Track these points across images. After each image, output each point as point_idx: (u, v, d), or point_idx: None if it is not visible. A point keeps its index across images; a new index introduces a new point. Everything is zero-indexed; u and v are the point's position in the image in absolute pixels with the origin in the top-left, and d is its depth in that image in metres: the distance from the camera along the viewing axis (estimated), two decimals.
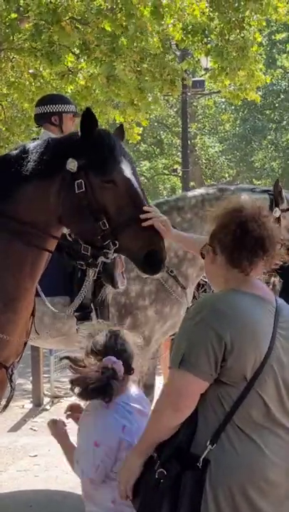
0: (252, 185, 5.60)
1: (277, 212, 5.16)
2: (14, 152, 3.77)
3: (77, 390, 2.96)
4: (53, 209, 3.61)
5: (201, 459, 2.59)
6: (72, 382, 2.99)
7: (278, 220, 5.17)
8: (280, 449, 2.65)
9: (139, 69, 11.74)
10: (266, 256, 2.77)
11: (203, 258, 2.93)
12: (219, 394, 2.63)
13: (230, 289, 2.76)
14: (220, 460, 2.59)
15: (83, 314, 4.92)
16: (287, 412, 2.70)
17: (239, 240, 2.73)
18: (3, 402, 4.01)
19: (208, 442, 2.60)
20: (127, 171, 3.61)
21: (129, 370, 3.08)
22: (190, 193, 5.52)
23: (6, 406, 4.03)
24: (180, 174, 28.48)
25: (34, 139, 5.92)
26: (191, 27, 12.18)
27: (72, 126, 5.91)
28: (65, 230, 3.94)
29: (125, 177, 3.59)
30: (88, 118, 3.58)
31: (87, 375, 2.96)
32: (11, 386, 3.88)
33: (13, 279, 3.65)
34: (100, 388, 2.93)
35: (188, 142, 25.59)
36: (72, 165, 3.52)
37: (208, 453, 2.60)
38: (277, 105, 32.85)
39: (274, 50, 31.18)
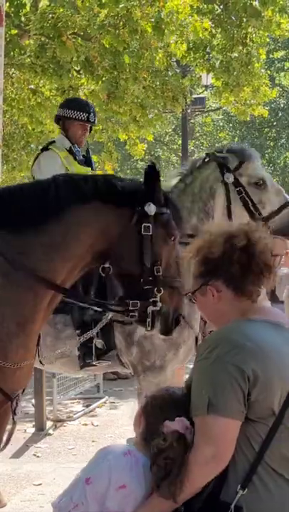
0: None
1: (229, 178, 4.80)
2: None
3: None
4: (107, 241, 3.57)
5: (232, 507, 2.36)
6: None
7: (236, 182, 4.81)
8: None
9: (143, 85, 11.63)
10: (270, 274, 2.60)
11: (193, 302, 2.74)
12: (247, 433, 2.40)
13: (240, 318, 2.56)
14: (254, 506, 2.37)
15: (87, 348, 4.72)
16: None
17: (247, 266, 2.55)
18: (5, 436, 3.73)
19: (239, 487, 2.37)
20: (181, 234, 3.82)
21: None
22: None
23: (7, 441, 3.75)
24: None
25: (45, 148, 5.80)
26: (192, 43, 12.12)
27: (82, 134, 5.78)
28: None
29: (179, 238, 3.75)
30: (153, 171, 3.65)
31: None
32: (13, 419, 3.60)
33: (33, 297, 3.41)
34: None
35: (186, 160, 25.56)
36: (152, 208, 3.55)
37: (240, 499, 2.37)
38: (275, 123, 32.91)
39: (272, 68, 31.25)
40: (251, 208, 4.79)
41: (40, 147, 6.32)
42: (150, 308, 3.61)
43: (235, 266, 2.55)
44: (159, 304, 3.62)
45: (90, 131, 5.99)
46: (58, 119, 5.93)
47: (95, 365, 4.86)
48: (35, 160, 5.80)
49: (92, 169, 5.78)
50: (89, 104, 6.13)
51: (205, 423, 2.39)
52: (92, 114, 5.78)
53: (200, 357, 2.52)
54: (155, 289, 3.59)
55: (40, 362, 4.60)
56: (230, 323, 2.59)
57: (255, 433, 2.41)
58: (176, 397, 2.64)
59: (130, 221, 3.55)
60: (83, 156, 5.83)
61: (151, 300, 3.60)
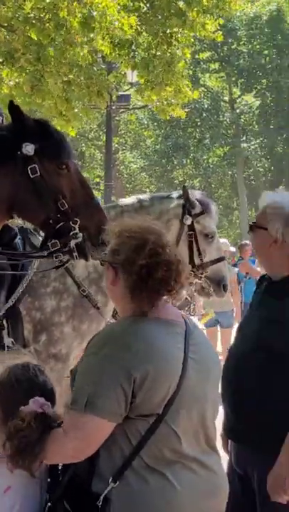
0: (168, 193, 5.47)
1: (188, 220, 5.08)
2: None
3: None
4: (5, 197, 3.59)
5: (102, 498, 2.38)
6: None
7: (191, 226, 5.09)
8: (195, 486, 2.47)
9: (66, 79, 11.56)
10: (170, 293, 2.57)
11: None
12: (127, 429, 2.42)
13: (135, 316, 2.54)
14: (124, 499, 2.38)
15: None
16: (201, 445, 2.54)
17: (144, 281, 2.50)
18: None
19: (111, 480, 2.39)
20: (74, 157, 3.79)
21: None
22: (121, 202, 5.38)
23: None
24: (101, 188, 28.39)
25: None
26: (118, 40, 12.11)
27: None
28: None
29: (75, 164, 3.77)
30: (15, 109, 3.60)
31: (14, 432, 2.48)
32: None
33: None
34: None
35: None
36: (29, 148, 3.51)
37: (111, 491, 2.38)
38: (199, 124, 33.27)
39: (197, 69, 31.58)
40: (193, 253, 5.13)
41: None
42: (72, 243, 3.64)
43: (133, 276, 2.51)
44: (80, 235, 3.64)
45: None
46: None
47: None
48: None
49: None
50: None
51: (79, 418, 2.39)
52: None
53: (89, 351, 2.52)
54: (70, 222, 3.60)
55: None
56: (122, 320, 2.60)
57: (135, 429, 2.42)
58: (27, 377, 2.70)
59: (15, 170, 3.54)
60: None
61: (70, 234, 3.62)
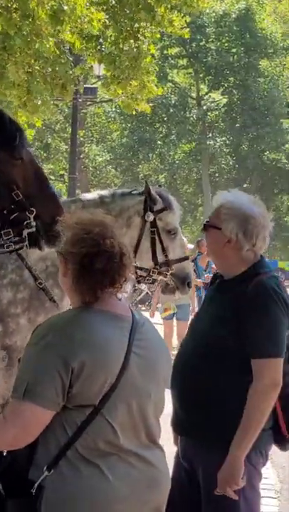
0: (130, 188, 5.47)
1: (150, 217, 5.08)
2: None
3: None
4: None
5: (36, 485, 2.42)
6: None
7: (153, 223, 5.11)
8: (130, 478, 2.51)
9: (30, 70, 11.50)
10: (113, 286, 2.60)
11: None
12: (63, 419, 2.45)
13: (81, 307, 2.58)
14: (57, 487, 2.42)
15: None
16: (141, 440, 2.57)
17: (86, 271, 2.54)
18: None
19: (45, 468, 2.43)
20: (30, 150, 3.77)
21: None
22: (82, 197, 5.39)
23: None
24: (66, 180, 28.30)
25: None
26: (86, 33, 12.08)
27: None
28: None
29: (30, 154, 3.75)
30: None
31: None
32: None
33: None
34: None
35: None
36: None
37: (45, 479, 2.42)
38: (166, 119, 33.34)
39: (165, 64, 31.62)
40: (156, 249, 5.13)
41: None
42: (24, 232, 3.65)
43: (75, 266, 2.55)
44: (33, 224, 3.66)
45: None
46: None
47: None
48: None
49: None
50: None
51: (18, 406, 2.43)
52: None
53: (31, 340, 2.56)
54: (26, 212, 3.62)
55: None
56: (67, 311, 2.65)
57: (71, 420, 2.45)
58: None
59: None
60: None
61: (24, 223, 3.64)
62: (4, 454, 2.59)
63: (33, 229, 3.67)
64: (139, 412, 2.55)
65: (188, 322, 11.10)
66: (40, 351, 2.46)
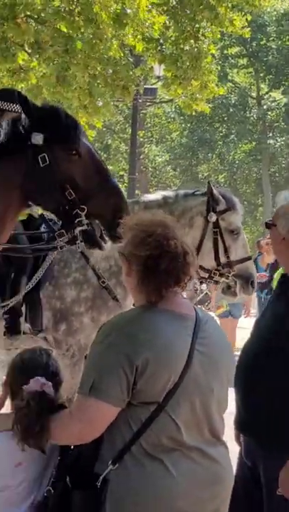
0: (194, 189, 5.47)
1: (212, 217, 5.09)
2: None
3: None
4: (18, 188, 3.62)
5: (101, 478, 2.50)
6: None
7: (216, 223, 5.11)
8: (194, 474, 2.55)
9: (92, 72, 11.63)
10: (178, 285, 2.65)
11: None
12: (128, 415, 2.53)
13: (144, 306, 2.64)
14: (121, 481, 2.50)
15: (12, 318, 4.76)
16: (205, 436, 2.61)
17: (150, 272, 2.60)
18: None
19: (110, 462, 2.51)
20: (88, 142, 3.75)
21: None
22: (144, 198, 5.43)
23: None
24: (126, 181, 28.44)
25: None
26: (147, 36, 12.14)
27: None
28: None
29: (89, 148, 3.73)
30: (24, 100, 3.64)
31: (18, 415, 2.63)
32: None
33: None
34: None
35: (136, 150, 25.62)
36: (38, 138, 3.54)
37: (110, 473, 2.50)
38: (226, 119, 33.17)
39: (226, 64, 31.46)
40: (219, 250, 5.13)
41: None
42: (76, 230, 3.67)
43: (140, 267, 2.61)
44: (85, 221, 3.65)
45: None
46: None
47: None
48: None
49: None
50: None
51: (84, 402, 2.52)
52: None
53: (97, 339, 2.63)
54: (78, 210, 3.61)
55: None
56: (132, 309, 2.72)
57: (136, 416, 2.52)
58: (32, 359, 2.82)
59: (27, 160, 3.58)
60: None
61: (76, 221, 3.64)
62: (72, 448, 2.67)
63: (84, 227, 3.68)
64: (202, 409, 2.58)
65: (239, 320, 11.73)
66: (104, 350, 2.54)
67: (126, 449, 2.50)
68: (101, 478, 2.50)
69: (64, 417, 2.58)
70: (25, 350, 2.90)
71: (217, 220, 5.13)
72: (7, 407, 2.87)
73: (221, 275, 5.17)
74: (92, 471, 2.54)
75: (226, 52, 31.39)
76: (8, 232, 3.73)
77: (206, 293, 8.00)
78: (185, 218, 5.09)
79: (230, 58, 33.00)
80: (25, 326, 4.78)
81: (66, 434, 2.58)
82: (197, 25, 12.24)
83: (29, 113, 3.60)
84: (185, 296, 2.79)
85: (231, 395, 2.87)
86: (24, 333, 4.76)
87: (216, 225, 5.13)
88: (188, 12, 12.29)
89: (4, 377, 2.92)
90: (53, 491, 2.61)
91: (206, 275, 5.19)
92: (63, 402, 2.73)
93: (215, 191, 5.18)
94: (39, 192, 3.64)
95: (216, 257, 5.14)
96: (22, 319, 4.76)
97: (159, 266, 2.58)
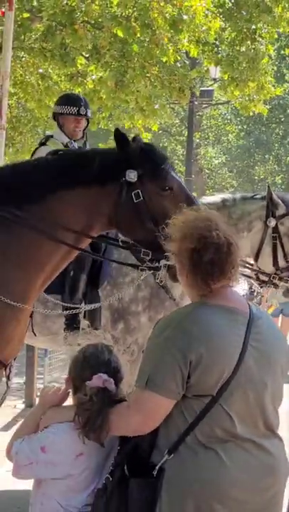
0: (251, 191, 5.48)
1: (271, 222, 5.10)
2: (50, 157, 3.92)
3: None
4: (104, 216, 3.73)
5: (157, 467, 2.59)
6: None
7: (275, 228, 5.12)
8: (248, 465, 2.60)
9: (149, 75, 11.73)
10: (224, 276, 2.71)
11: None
12: (183, 407, 2.60)
13: (198, 302, 2.73)
14: (177, 470, 2.58)
15: (72, 316, 4.86)
16: (259, 429, 2.65)
17: (196, 265, 2.68)
18: None
19: (166, 452, 2.60)
20: (177, 177, 3.84)
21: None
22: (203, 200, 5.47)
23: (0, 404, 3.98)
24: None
25: (42, 143, 5.85)
26: (203, 41, 12.17)
27: (75, 127, 5.79)
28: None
29: (179, 183, 3.82)
30: (119, 136, 3.74)
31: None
32: (8, 385, 3.82)
33: (30, 274, 3.64)
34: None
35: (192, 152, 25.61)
36: (132, 175, 3.65)
37: (166, 462, 2.59)
38: (283, 120, 32.89)
39: (282, 65, 31.18)
40: (278, 255, 5.14)
41: (38, 141, 6.38)
42: (162, 262, 3.72)
43: (187, 260, 2.69)
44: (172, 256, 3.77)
45: (87, 124, 6.00)
46: (54, 117, 5.98)
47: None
48: (32, 154, 5.89)
49: None
50: (80, 98, 6.14)
51: (141, 395, 2.61)
52: (82, 108, 5.79)
53: (153, 334, 2.74)
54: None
55: (33, 332, 4.79)
56: (186, 306, 2.80)
57: (191, 408, 2.59)
58: (94, 355, 2.89)
59: (120, 194, 3.68)
60: (79, 148, 5.94)
61: (164, 253, 3.62)
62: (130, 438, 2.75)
63: (171, 262, 3.70)
64: (256, 402, 2.63)
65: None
66: (159, 344, 2.62)
67: (181, 440, 2.58)
68: (157, 467, 2.58)
69: (122, 409, 2.68)
70: (87, 345, 2.97)
71: (276, 224, 5.14)
72: (69, 401, 2.98)
73: (280, 279, 5.17)
74: (148, 460, 2.63)
75: (282, 52, 31.12)
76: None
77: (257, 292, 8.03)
78: (244, 222, 5.12)
79: (287, 59, 32.71)
80: (84, 322, 4.88)
81: (124, 425, 2.67)
82: (254, 27, 12.22)
83: (125, 150, 3.71)
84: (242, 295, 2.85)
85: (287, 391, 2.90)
86: (83, 329, 4.86)
87: (275, 229, 5.14)
88: (244, 13, 12.28)
89: (66, 375, 3.02)
90: (111, 479, 2.69)
91: (266, 279, 5.20)
92: (123, 397, 2.82)
93: (274, 196, 5.19)
94: (131, 224, 3.73)
95: (275, 262, 5.15)
96: (81, 315, 4.86)
97: (203, 257, 2.65)
